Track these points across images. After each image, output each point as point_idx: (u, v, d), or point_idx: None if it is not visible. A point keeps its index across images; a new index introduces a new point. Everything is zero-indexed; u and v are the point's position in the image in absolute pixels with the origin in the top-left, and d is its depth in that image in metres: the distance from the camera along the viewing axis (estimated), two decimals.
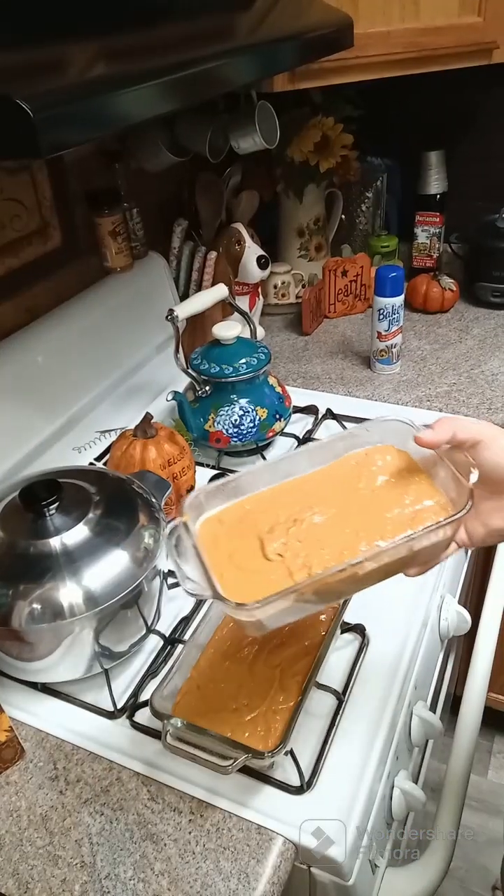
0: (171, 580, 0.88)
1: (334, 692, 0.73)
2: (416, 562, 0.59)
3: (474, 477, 0.55)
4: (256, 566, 0.56)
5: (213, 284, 1.24)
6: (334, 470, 0.63)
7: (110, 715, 0.74)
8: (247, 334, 1.14)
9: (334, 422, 1.16)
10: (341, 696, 0.73)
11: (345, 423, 1.15)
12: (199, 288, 1.31)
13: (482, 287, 1.46)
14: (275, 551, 0.57)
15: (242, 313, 1.18)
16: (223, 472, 1.05)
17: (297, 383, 1.29)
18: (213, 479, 1.04)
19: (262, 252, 1.31)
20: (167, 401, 1.10)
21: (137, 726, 0.73)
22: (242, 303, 1.36)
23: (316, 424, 1.16)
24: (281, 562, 0.56)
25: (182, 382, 1.14)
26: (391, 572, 0.58)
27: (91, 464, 1.08)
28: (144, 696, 0.75)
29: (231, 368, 1.05)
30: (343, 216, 1.58)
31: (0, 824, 0.66)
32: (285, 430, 1.12)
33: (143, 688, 0.76)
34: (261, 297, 1.44)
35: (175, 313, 1.05)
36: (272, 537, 0.58)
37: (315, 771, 0.67)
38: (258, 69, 0.81)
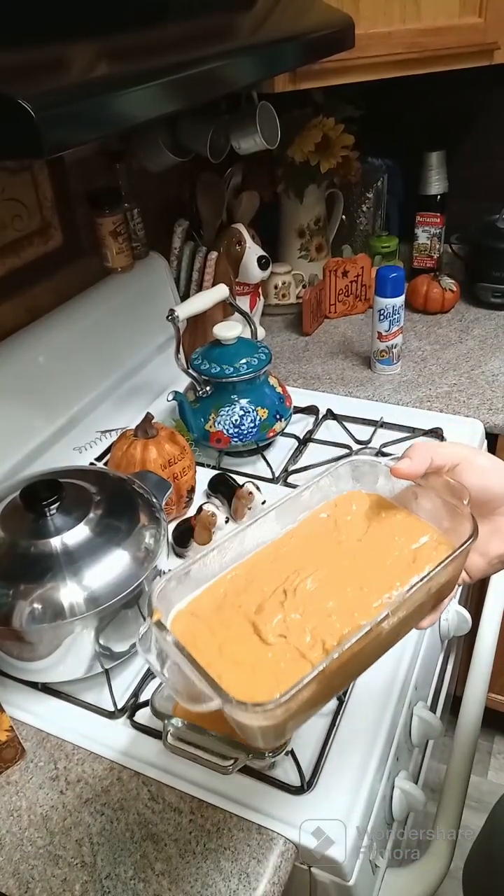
0: None
1: None
2: (429, 608, 0.54)
3: (468, 500, 0.51)
4: (257, 656, 0.48)
5: (213, 285, 1.24)
6: (307, 527, 0.57)
7: (111, 715, 0.74)
8: (247, 334, 1.14)
9: (335, 422, 1.16)
10: (342, 697, 0.73)
11: (345, 423, 1.15)
12: (200, 288, 1.31)
13: (483, 288, 1.46)
14: (274, 632, 0.49)
15: (243, 313, 1.18)
16: (224, 473, 1.05)
17: (297, 383, 1.29)
18: (212, 479, 1.04)
19: (262, 252, 1.32)
20: (168, 401, 1.10)
21: (138, 726, 0.73)
22: (243, 303, 1.36)
23: (316, 425, 1.16)
24: (285, 643, 0.48)
25: (183, 382, 1.14)
26: (409, 625, 0.53)
27: (92, 464, 1.08)
28: (145, 695, 0.75)
29: (232, 368, 1.05)
30: (344, 216, 1.58)
31: (1, 824, 0.66)
32: (286, 431, 1.12)
33: (143, 688, 0.76)
34: (261, 297, 1.44)
35: (176, 313, 1.05)
36: (265, 617, 0.50)
37: (315, 771, 0.67)
38: (260, 70, 0.81)
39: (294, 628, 0.49)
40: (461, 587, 0.66)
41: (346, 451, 1.08)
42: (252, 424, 1.06)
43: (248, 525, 0.55)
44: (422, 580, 0.48)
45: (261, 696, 0.44)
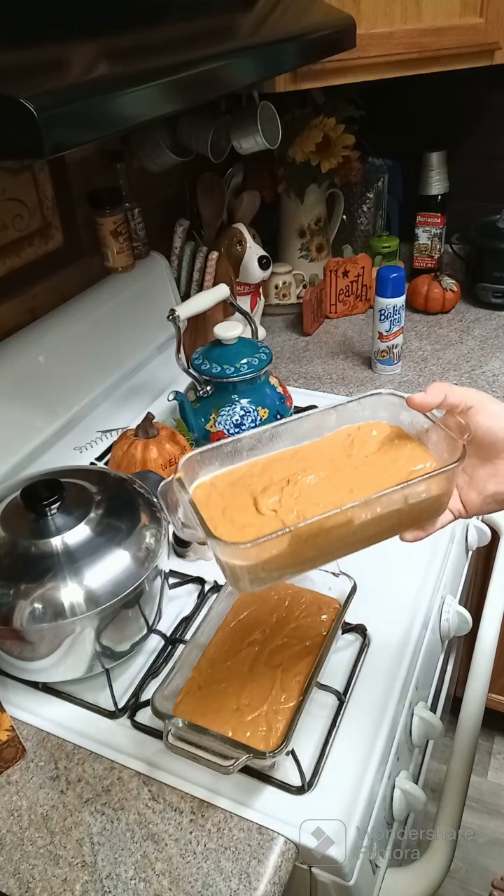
0: (172, 580, 0.88)
1: (335, 692, 0.73)
2: (412, 522, 0.59)
3: (468, 436, 0.57)
4: (250, 520, 0.57)
5: (214, 284, 1.24)
6: (326, 441, 0.65)
7: (111, 715, 0.74)
8: (248, 334, 1.14)
9: None
10: (342, 697, 0.73)
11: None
12: (201, 288, 1.31)
13: (483, 288, 1.46)
14: (269, 507, 0.57)
15: (244, 313, 1.18)
16: None
17: (298, 384, 1.29)
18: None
19: (263, 252, 1.32)
20: (168, 401, 1.10)
21: (138, 726, 0.73)
22: (244, 303, 1.36)
23: None
24: (274, 516, 0.57)
25: (183, 382, 1.14)
26: (386, 529, 0.58)
27: (92, 463, 1.08)
28: (146, 695, 0.75)
29: (232, 368, 1.05)
30: (344, 217, 1.58)
31: (1, 824, 0.66)
32: None
33: (144, 688, 0.76)
34: (262, 297, 1.44)
35: (176, 313, 1.05)
36: (266, 495, 0.59)
37: (316, 771, 0.67)
38: (261, 70, 0.81)
39: (285, 507, 0.57)
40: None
41: None
42: (253, 424, 1.06)
43: (279, 424, 0.63)
44: (399, 487, 0.55)
45: None
